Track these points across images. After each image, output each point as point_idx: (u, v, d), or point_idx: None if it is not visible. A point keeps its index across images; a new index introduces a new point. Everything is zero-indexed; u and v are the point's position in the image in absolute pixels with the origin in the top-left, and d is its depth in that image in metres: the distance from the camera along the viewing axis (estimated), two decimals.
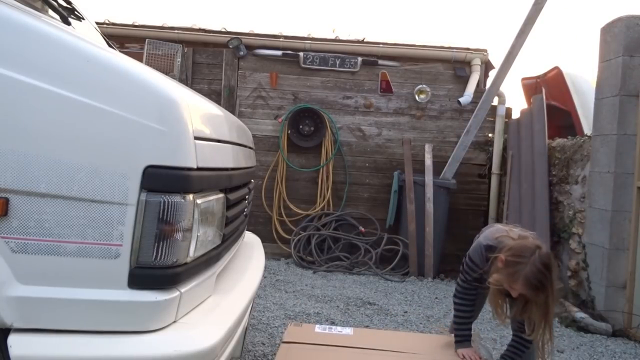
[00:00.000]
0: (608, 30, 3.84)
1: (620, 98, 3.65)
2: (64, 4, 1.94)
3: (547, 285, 1.86)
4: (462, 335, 2.18)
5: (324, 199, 5.54)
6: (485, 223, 5.40)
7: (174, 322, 1.21)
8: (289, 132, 5.51)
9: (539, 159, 4.75)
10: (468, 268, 2.13)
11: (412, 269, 5.02)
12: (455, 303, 2.25)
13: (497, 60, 5.45)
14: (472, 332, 2.22)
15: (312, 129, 5.54)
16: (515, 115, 5.65)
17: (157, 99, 1.17)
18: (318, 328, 2.37)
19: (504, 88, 5.34)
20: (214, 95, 5.47)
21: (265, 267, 2.20)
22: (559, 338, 3.40)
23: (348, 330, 2.37)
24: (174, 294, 1.19)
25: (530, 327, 1.96)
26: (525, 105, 6.21)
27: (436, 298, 4.24)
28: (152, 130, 1.14)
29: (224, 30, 5.71)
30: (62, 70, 1.13)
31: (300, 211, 5.53)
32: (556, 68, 5.60)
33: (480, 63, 5.63)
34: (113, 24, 5.66)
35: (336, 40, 5.81)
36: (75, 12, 2.00)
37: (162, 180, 1.15)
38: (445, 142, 5.66)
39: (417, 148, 5.59)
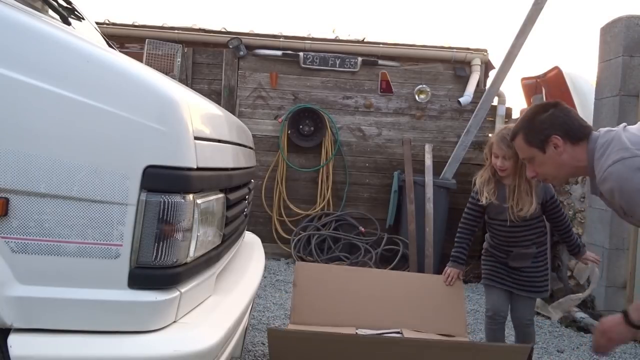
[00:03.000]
0: (608, 30, 3.84)
1: (620, 98, 3.65)
2: (64, 4, 1.94)
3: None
4: (454, 256, 2.52)
5: (324, 199, 5.54)
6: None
7: (174, 322, 1.21)
8: (289, 132, 5.51)
9: None
10: (471, 197, 2.50)
11: (412, 269, 5.01)
12: (458, 227, 2.55)
13: (497, 60, 5.45)
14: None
15: (312, 129, 5.54)
16: (515, 115, 5.65)
17: (157, 99, 1.17)
18: None
19: (504, 88, 5.34)
20: (214, 95, 5.47)
21: (265, 267, 2.21)
22: (559, 338, 3.40)
23: None
24: (174, 294, 1.19)
25: (519, 203, 2.30)
26: (525, 105, 6.21)
27: None
28: (152, 130, 1.14)
29: (224, 30, 5.71)
30: (62, 70, 1.13)
31: (300, 211, 5.53)
32: (556, 68, 5.60)
33: (480, 63, 5.63)
34: (113, 24, 5.66)
35: (336, 40, 5.81)
36: (75, 12, 2.00)
37: (162, 180, 1.15)
38: (445, 142, 5.66)
39: (417, 148, 5.59)
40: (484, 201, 2.37)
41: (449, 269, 2.50)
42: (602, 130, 1.76)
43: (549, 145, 1.77)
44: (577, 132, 1.75)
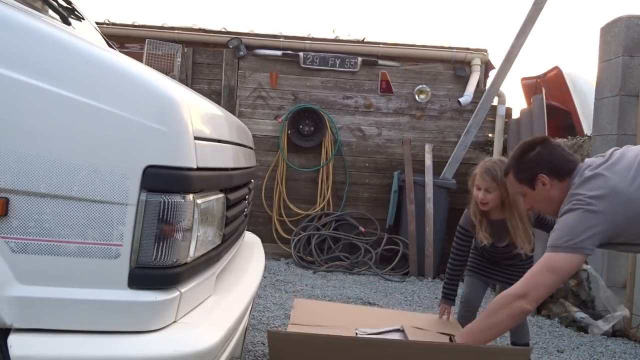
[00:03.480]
0: (608, 30, 3.84)
1: (620, 98, 3.65)
2: (64, 4, 1.94)
3: (501, 173, 2.13)
4: (445, 293, 2.49)
5: (324, 199, 5.54)
6: None
7: (174, 322, 1.21)
8: (289, 132, 5.51)
9: None
10: (457, 232, 2.47)
11: (412, 269, 5.02)
12: (449, 259, 2.52)
13: (497, 60, 5.45)
14: None
15: (312, 129, 5.54)
16: (515, 115, 5.65)
17: (157, 99, 1.17)
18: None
19: (504, 88, 5.34)
20: (214, 95, 5.47)
21: (265, 267, 2.21)
22: (559, 338, 3.40)
23: None
24: (174, 294, 1.19)
25: (515, 238, 2.24)
26: (525, 105, 6.21)
27: (436, 298, 4.23)
28: (152, 130, 1.14)
29: (224, 30, 5.71)
30: (62, 70, 1.13)
31: (300, 211, 5.53)
32: (556, 68, 5.60)
33: (480, 63, 5.63)
34: (113, 24, 5.66)
35: (336, 40, 5.81)
36: (75, 12, 2.00)
37: (162, 180, 1.15)
38: (445, 142, 5.66)
39: (417, 148, 5.59)
40: (485, 242, 2.33)
41: (442, 306, 2.49)
42: (587, 162, 1.88)
43: (537, 183, 1.89)
44: (562, 170, 1.88)
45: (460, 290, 2.53)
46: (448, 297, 2.49)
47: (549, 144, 1.94)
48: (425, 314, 2.79)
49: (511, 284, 2.38)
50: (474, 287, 2.55)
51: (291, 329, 2.15)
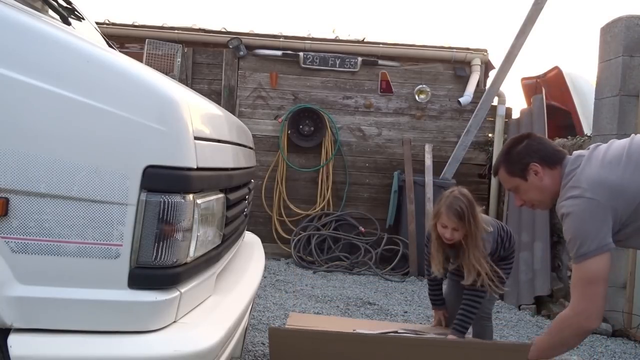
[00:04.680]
0: (608, 30, 3.84)
1: (620, 98, 3.65)
2: (64, 4, 1.94)
3: (467, 210, 2.15)
4: (433, 299, 2.57)
5: (324, 199, 5.54)
6: None
7: (174, 322, 1.21)
8: (289, 132, 5.51)
9: None
10: (425, 245, 2.50)
11: (412, 269, 5.02)
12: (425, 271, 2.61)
13: (497, 60, 5.45)
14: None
15: (312, 129, 5.54)
16: (515, 115, 5.66)
17: (157, 99, 1.17)
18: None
19: (504, 88, 5.34)
20: (214, 95, 5.47)
21: (265, 267, 2.21)
22: None
23: None
24: (174, 294, 1.19)
25: (467, 271, 2.20)
26: (525, 105, 6.21)
27: None
28: (152, 130, 1.14)
29: (224, 30, 5.71)
30: (62, 70, 1.13)
31: (300, 211, 5.53)
32: (556, 68, 5.59)
33: (480, 63, 5.63)
34: (113, 24, 5.66)
35: (336, 40, 5.81)
36: (75, 12, 2.00)
37: (162, 180, 1.15)
38: (445, 142, 5.66)
39: (417, 148, 5.59)
40: (436, 272, 2.35)
41: (435, 312, 2.56)
42: (575, 154, 1.91)
43: (530, 173, 1.92)
44: (553, 157, 1.91)
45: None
46: (436, 302, 2.55)
47: (535, 136, 2.00)
48: (422, 325, 2.79)
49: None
50: (454, 290, 2.55)
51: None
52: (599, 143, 1.95)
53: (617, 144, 1.86)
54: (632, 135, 1.90)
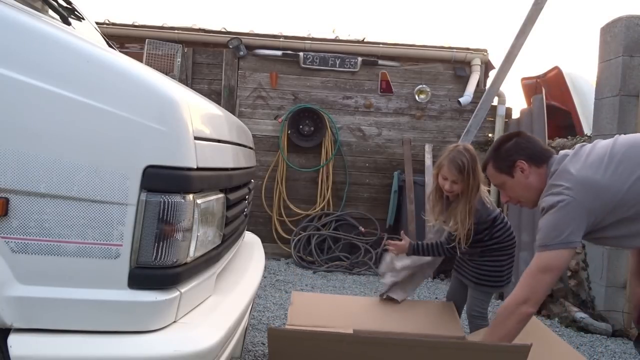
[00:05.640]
0: (608, 30, 3.84)
1: (620, 98, 3.65)
2: (64, 4, 1.94)
3: (468, 165, 2.24)
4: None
5: (324, 199, 5.54)
6: None
7: (174, 322, 1.21)
8: (289, 132, 5.51)
9: None
10: None
11: None
12: None
13: (497, 60, 5.46)
14: None
15: (312, 129, 5.54)
16: (515, 115, 5.65)
17: (157, 99, 1.17)
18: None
19: (504, 88, 5.34)
20: (214, 95, 5.47)
21: (265, 267, 2.21)
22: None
23: None
24: (174, 294, 1.19)
25: (455, 223, 2.30)
26: (525, 105, 6.21)
27: (436, 298, 4.24)
28: (152, 130, 1.14)
29: (224, 30, 5.71)
30: (62, 70, 1.13)
31: (300, 211, 5.53)
32: (556, 68, 5.60)
33: (480, 63, 5.63)
34: (113, 24, 5.66)
35: (336, 40, 5.81)
36: (75, 12, 2.00)
37: (162, 180, 1.15)
38: (445, 142, 5.65)
39: (417, 148, 5.59)
40: (432, 222, 2.44)
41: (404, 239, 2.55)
42: (561, 153, 1.95)
43: (516, 170, 1.97)
44: (540, 156, 1.96)
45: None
46: (415, 245, 2.53)
47: (525, 135, 2.05)
48: (420, 301, 2.81)
49: (470, 280, 2.47)
50: (452, 284, 2.68)
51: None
52: (584, 143, 1.99)
53: (601, 144, 1.90)
54: (616, 135, 1.93)
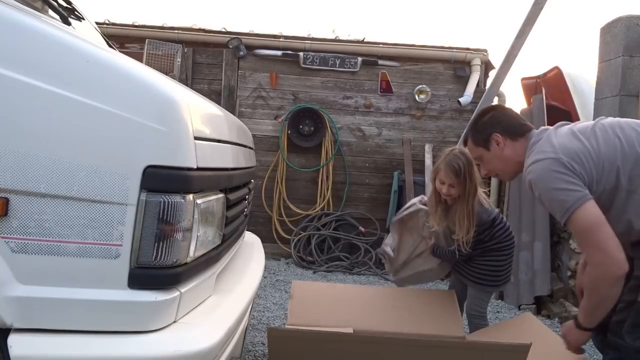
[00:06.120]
0: (608, 31, 3.84)
1: (620, 98, 3.65)
2: (64, 4, 1.94)
3: (465, 168, 2.28)
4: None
5: (324, 199, 5.54)
6: None
7: (174, 322, 1.21)
8: (289, 132, 5.51)
9: None
10: None
11: None
12: None
13: (497, 60, 5.45)
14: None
15: (312, 129, 5.54)
16: None
17: (157, 99, 1.17)
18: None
19: (504, 88, 5.34)
20: (214, 95, 5.47)
21: (265, 267, 2.21)
22: None
23: None
24: (174, 294, 1.19)
25: (456, 227, 2.33)
26: (525, 105, 6.20)
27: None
28: (152, 130, 1.14)
29: (224, 30, 5.71)
30: (62, 70, 1.13)
31: (300, 211, 5.53)
32: (556, 68, 5.59)
33: (480, 63, 5.63)
34: (113, 24, 5.66)
35: (336, 40, 5.81)
36: (75, 12, 2.00)
37: (162, 180, 1.15)
38: (445, 142, 5.65)
39: (417, 148, 5.59)
40: (435, 227, 2.45)
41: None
42: (541, 128, 1.96)
43: (492, 143, 2.00)
44: (516, 129, 1.98)
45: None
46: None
47: (502, 108, 2.12)
48: (422, 290, 2.82)
49: (468, 279, 2.50)
50: (453, 285, 2.71)
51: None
52: (564, 122, 1.98)
53: (583, 123, 1.90)
54: (599, 117, 1.91)
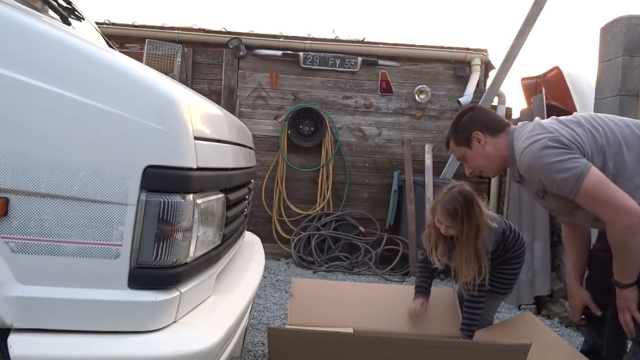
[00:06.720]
0: (608, 30, 3.84)
1: (620, 98, 3.65)
2: (64, 4, 1.94)
3: (461, 211, 2.17)
4: (419, 287, 2.55)
5: (324, 199, 5.54)
6: None
7: (174, 322, 1.21)
8: (289, 132, 5.51)
9: None
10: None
11: (412, 269, 5.01)
12: (417, 260, 2.66)
13: (497, 60, 5.45)
14: None
15: (312, 129, 5.54)
16: (516, 115, 5.65)
17: (157, 99, 1.17)
18: None
19: (504, 88, 5.34)
20: (214, 95, 5.47)
21: (265, 267, 2.21)
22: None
23: None
24: (174, 294, 1.19)
25: (463, 272, 2.24)
26: (525, 105, 6.20)
27: None
28: (152, 130, 1.14)
29: (224, 30, 5.71)
30: (62, 70, 1.13)
31: (300, 211, 5.53)
32: (556, 68, 5.59)
33: (480, 63, 5.63)
34: (113, 24, 5.66)
35: (336, 40, 5.81)
36: (75, 12, 2.00)
37: (162, 180, 1.15)
38: None
39: (417, 148, 5.59)
40: (437, 264, 2.35)
41: (414, 300, 2.50)
42: (520, 123, 2.01)
43: (473, 141, 2.05)
44: (495, 126, 2.04)
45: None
46: (419, 289, 2.53)
47: (480, 108, 2.18)
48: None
49: (491, 290, 2.41)
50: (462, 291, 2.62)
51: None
52: (537, 118, 2.05)
53: (566, 116, 1.96)
54: (575, 112, 1.98)
